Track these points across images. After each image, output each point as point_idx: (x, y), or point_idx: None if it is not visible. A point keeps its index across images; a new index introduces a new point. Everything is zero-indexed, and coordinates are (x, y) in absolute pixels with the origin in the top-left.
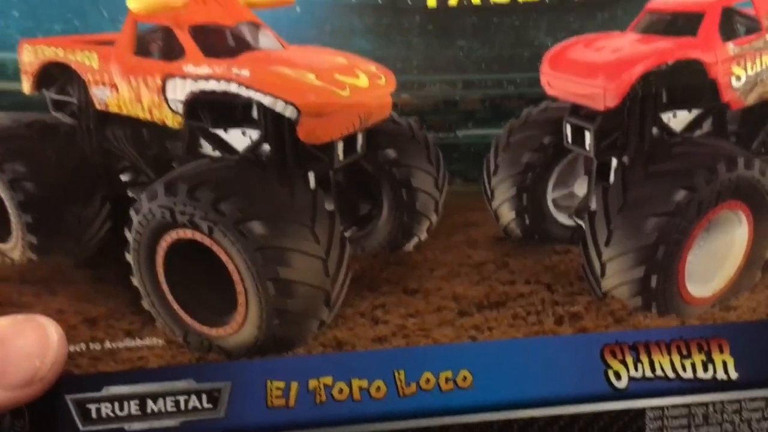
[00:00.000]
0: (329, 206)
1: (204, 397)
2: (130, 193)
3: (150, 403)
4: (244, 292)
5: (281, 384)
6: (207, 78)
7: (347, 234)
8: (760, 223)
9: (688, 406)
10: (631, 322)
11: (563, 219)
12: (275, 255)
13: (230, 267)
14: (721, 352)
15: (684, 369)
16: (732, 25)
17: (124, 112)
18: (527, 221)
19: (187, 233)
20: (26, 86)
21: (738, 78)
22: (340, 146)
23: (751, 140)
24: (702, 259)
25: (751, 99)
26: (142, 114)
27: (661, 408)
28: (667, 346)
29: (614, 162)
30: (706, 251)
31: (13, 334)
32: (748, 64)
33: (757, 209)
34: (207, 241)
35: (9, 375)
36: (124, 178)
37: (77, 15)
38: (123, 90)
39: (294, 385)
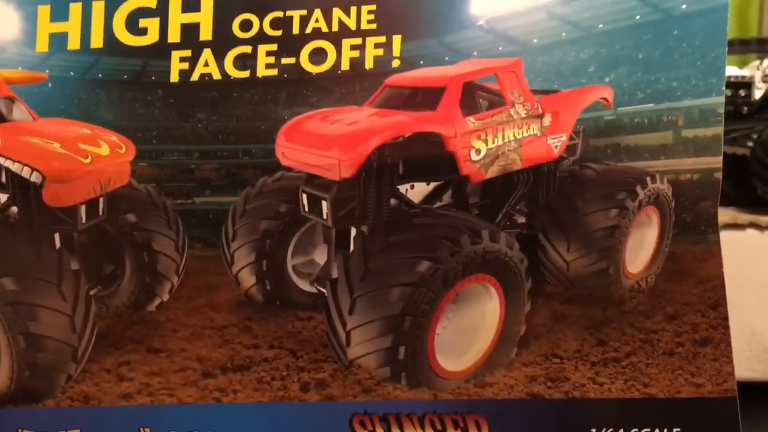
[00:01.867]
0: (74, 266)
1: None
2: None
3: None
4: None
5: None
6: None
7: (92, 293)
8: (511, 297)
9: None
10: (380, 393)
11: (304, 286)
12: (25, 310)
13: None
14: (479, 429)
15: None
16: (474, 99)
17: None
18: (268, 287)
19: None
20: None
21: (478, 151)
22: (83, 210)
23: (495, 213)
24: (453, 332)
25: (492, 172)
26: None
27: None
28: (419, 420)
29: (353, 231)
30: (457, 324)
31: None
32: (489, 138)
33: (507, 283)
34: None
35: None
36: None
37: None
38: None
39: None
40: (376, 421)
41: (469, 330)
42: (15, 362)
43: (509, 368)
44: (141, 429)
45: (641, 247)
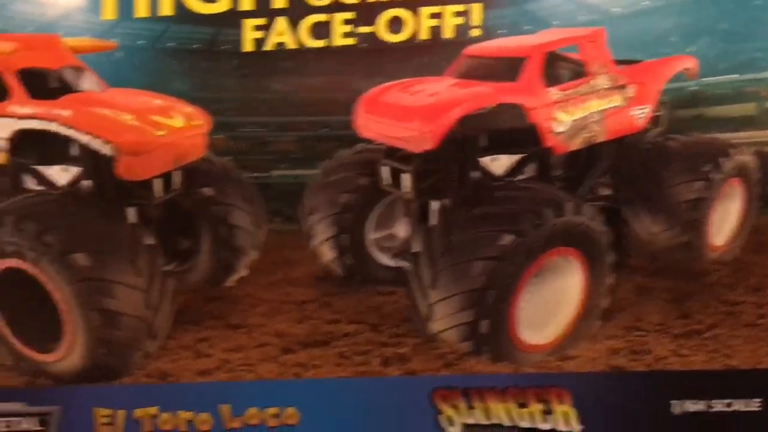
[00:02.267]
0: (149, 241)
1: (35, 420)
2: None
3: None
4: (71, 321)
5: (108, 412)
6: (30, 117)
7: (168, 268)
8: (594, 271)
9: None
10: (461, 367)
11: (385, 260)
12: (99, 286)
13: (57, 296)
14: (561, 402)
15: (521, 418)
16: (555, 70)
17: None
18: (348, 261)
19: (16, 263)
20: None
21: (561, 123)
22: (158, 183)
23: (578, 185)
24: (535, 305)
25: (575, 144)
26: None
27: None
28: (501, 393)
29: (435, 204)
30: (539, 298)
31: None
32: (573, 109)
33: (590, 256)
34: (34, 271)
35: None
36: None
37: None
38: None
39: (120, 414)
40: (457, 395)
41: (551, 303)
42: (90, 340)
43: (592, 341)
44: (220, 406)
45: (725, 220)
